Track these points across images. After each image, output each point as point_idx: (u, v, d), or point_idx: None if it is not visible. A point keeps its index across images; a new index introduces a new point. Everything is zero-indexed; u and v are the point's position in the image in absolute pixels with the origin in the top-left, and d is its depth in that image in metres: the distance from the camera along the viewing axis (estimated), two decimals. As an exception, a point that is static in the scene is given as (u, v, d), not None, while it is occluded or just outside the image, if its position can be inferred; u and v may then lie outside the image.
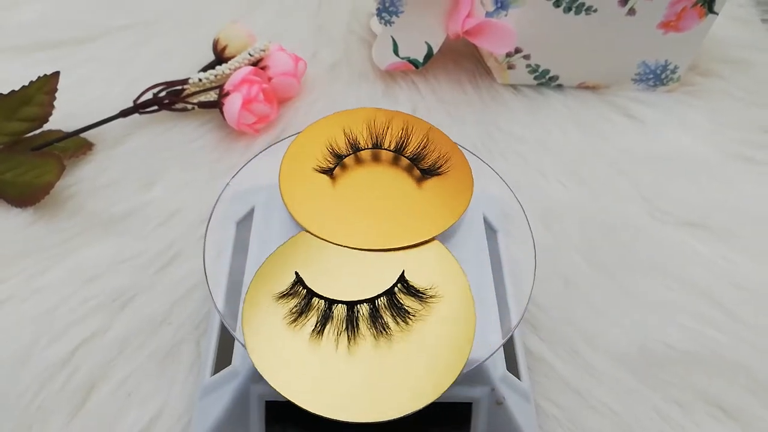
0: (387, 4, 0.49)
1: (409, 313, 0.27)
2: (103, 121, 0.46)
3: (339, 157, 0.32)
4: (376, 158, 0.32)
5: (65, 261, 0.40)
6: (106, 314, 0.37)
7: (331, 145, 0.32)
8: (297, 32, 0.58)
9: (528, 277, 0.32)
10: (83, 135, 0.46)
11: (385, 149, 0.32)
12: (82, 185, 0.44)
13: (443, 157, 0.32)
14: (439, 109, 0.52)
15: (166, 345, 0.36)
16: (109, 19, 0.57)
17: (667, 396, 0.36)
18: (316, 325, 0.27)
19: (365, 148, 0.32)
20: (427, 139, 0.33)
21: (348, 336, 0.27)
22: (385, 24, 0.51)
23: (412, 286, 0.28)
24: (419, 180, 0.32)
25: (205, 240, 0.31)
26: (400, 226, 0.30)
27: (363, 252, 0.29)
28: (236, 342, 0.32)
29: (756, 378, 0.37)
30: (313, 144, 0.33)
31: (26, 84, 0.43)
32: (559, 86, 0.54)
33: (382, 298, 0.27)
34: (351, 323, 0.27)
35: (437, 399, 0.27)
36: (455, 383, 0.30)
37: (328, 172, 0.31)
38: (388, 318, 0.27)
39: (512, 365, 0.34)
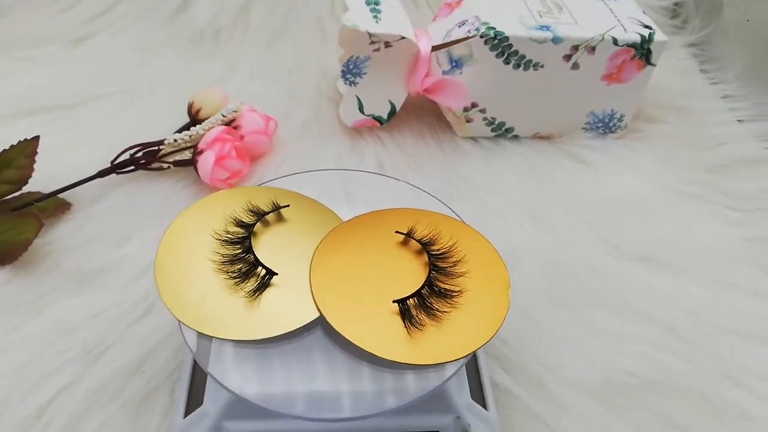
0: (351, 67, 0.53)
1: None
2: (81, 182, 0.48)
3: None
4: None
5: (41, 316, 0.41)
6: (81, 366, 0.38)
7: None
8: (269, 95, 0.61)
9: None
10: (61, 195, 0.48)
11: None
12: (58, 243, 0.45)
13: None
14: (404, 161, 0.55)
15: (140, 394, 0.37)
16: (89, 89, 0.60)
17: (629, 421, 0.37)
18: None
19: None
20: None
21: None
22: (350, 84, 0.54)
23: None
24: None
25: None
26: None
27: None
28: (207, 382, 0.33)
29: (710, 400, 0.38)
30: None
31: (7, 148, 0.45)
32: (515, 137, 0.58)
33: None
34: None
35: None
36: (420, 412, 0.31)
37: None
38: None
39: (478, 396, 0.35)
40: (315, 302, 0.30)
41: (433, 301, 0.30)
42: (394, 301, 0.30)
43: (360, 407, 0.28)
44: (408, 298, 0.30)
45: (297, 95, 0.61)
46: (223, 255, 0.32)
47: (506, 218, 0.50)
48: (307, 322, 0.30)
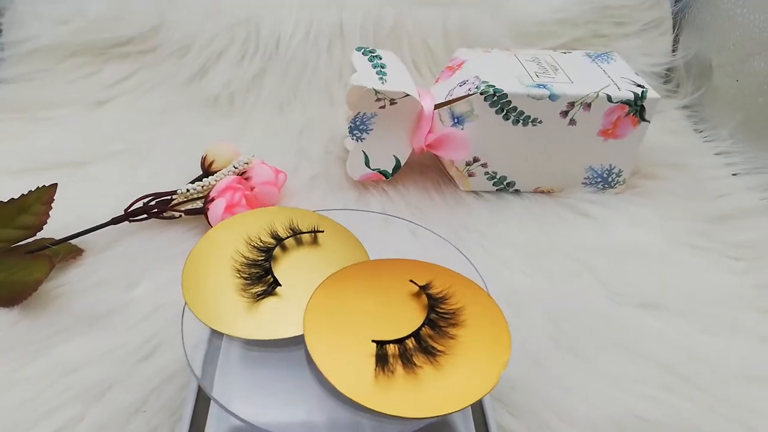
0: (358, 123, 0.56)
1: None
2: (95, 228, 0.49)
3: None
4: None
5: (47, 355, 0.41)
6: (82, 404, 0.38)
7: None
8: (279, 153, 0.63)
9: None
10: (74, 242, 0.49)
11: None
12: (69, 287, 0.46)
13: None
14: (408, 212, 0.56)
15: (141, 432, 0.37)
16: (105, 146, 0.63)
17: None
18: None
19: None
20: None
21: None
22: (357, 140, 0.57)
23: None
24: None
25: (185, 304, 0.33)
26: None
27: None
28: (210, 412, 0.32)
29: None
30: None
31: (25, 193, 0.47)
32: (517, 191, 0.60)
33: None
34: None
35: None
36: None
37: None
38: None
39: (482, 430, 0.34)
40: (303, 324, 0.31)
41: (414, 354, 0.30)
42: (373, 341, 0.30)
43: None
44: (388, 342, 0.30)
45: (306, 153, 0.64)
46: (245, 258, 0.34)
47: (510, 266, 0.50)
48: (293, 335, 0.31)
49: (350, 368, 0.29)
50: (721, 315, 0.46)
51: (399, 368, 0.29)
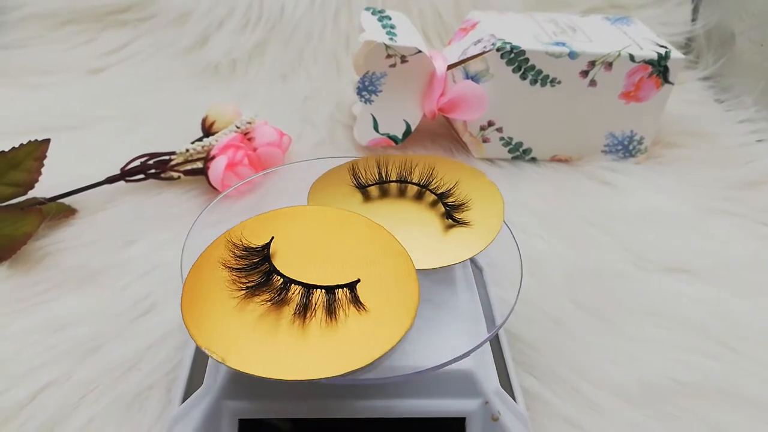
0: (367, 83, 0.53)
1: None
2: (89, 187, 0.47)
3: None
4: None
5: (36, 312, 0.38)
6: (72, 360, 0.35)
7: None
8: (283, 120, 0.60)
9: (512, 291, 0.32)
10: (68, 202, 0.47)
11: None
12: (60, 244, 0.43)
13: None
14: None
15: (133, 390, 0.34)
16: (101, 110, 0.60)
17: (678, 429, 0.33)
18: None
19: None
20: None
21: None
22: (365, 102, 0.54)
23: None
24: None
25: (184, 244, 0.30)
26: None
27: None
28: (208, 363, 0.30)
29: (758, 404, 0.34)
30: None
31: (16, 146, 0.44)
32: (533, 159, 0.57)
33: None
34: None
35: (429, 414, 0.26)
36: (446, 395, 0.28)
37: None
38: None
39: (507, 389, 0.31)
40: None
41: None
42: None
43: (377, 372, 0.25)
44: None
45: (311, 120, 0.61)
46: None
47: (527, 230, 0.48)
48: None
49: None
50: (752, 279, 0.44)
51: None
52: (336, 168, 0.35)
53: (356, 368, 0.23)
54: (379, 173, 0.33)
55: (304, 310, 0.25)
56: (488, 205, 0.33)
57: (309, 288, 0.25)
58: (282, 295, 0.25)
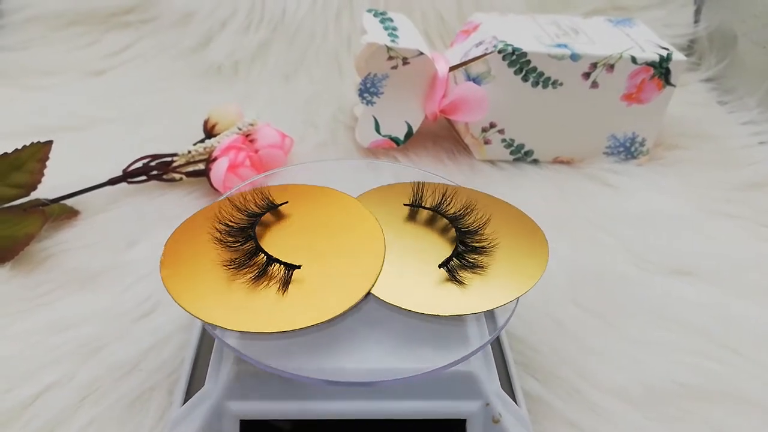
0: (368, 85, 0.53)
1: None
2: (91, 188, 0.47)
3: None
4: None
5: (38, 313, 0.38)
6: (74, 361, 0.35)
7: None
8: (285, 121, 0.61)
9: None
10: (70, 203, 0.47)
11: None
12: (62, 246, 0.43)
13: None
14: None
15: (135, 391, 0.34)
16: (104, 112, 0.60)
17: (678, 430, 0.33)
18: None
19: None
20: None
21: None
22: (367, 104, 0.54)
23: None
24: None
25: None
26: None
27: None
28: (211, 363, 0.30)
29: (762, 407, 0.34)
30: None
31: (19, 148, 0.44)
32: (535, 161, 0.57)
33: None
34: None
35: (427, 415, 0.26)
36: (446, 397, 0.28)
37: None
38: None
39: (508, 391, 0.31)
40: None
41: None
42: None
43: (380, 374, 0.25)
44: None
45: (313, 122, 0.61)
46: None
47: (529, 232, 0.47)
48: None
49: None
50: (755, 281, 0.43)
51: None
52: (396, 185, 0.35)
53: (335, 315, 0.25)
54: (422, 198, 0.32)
55: (260, 276, 0.27)
56: (523, 256, 0.30)
57: (271, 262, 0.27)
58: (251, 263, 0.27)
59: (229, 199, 0.30)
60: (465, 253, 0.29)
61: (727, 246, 0.47)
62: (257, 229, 0.29)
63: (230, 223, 0.29)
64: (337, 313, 0.26)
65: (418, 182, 0.32)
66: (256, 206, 0.30)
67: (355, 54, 0.66)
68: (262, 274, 0.27)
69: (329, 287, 0.27)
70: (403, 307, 0.27)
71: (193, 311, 0.26)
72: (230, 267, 0.28)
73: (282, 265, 0.27)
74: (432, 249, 0.30)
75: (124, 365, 0.35)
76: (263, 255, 0.28)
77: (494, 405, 0.28)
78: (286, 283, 0.27)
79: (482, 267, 0.29)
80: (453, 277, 0.28)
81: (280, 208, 0.31)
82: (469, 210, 0.31)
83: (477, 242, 0.29)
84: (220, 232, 0.29)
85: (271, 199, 0.31)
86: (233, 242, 0.28)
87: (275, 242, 0.29)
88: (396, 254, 0.29)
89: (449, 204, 0.31)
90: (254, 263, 0.27)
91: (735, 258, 0.45)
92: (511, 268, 0.29)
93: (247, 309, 0.26)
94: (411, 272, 0.28)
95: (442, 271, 0.28)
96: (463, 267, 0.28)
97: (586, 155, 0.57)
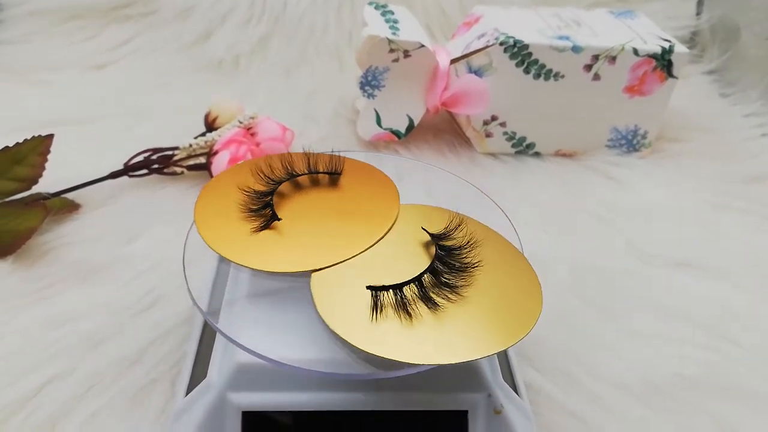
0: (369, 78, 0.53)
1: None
2: (93, 182, 0.47)
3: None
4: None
5: (39, 306, 0.38)
6: (76, 354, 0.35)
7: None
8: (286, 115, 0.60)
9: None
10: (71, 197, 0.47)
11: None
12: (63, 239, 0.44)
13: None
14: (423, 172, 0.53)
15: (137, 384, 0.34)
16: (105, 107, 0.60)
17: (682, 423, 0.33)
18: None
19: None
20: None
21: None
22: (368, 97, 0.54)
23: None
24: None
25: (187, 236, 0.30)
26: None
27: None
28: (213, 354, 0.30)
29: (763, 399, 0.34)
30: None
31: (20, 141, 0.44)
32: (537, 154, 0.57)
33: None
34: None
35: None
36: (448, 389, 0.28)
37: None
38: None
39: (510, 382, 0.31)
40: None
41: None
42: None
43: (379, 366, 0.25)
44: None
45: (314, 116, 0.61)
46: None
47: (531, 224, 0.48)
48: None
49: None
50: (757, 273, 0.43)
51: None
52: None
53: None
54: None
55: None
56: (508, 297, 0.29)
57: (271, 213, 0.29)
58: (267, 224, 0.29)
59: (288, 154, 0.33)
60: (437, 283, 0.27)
61: (729, 238, 0.47)
62: (296, 188, 0.32)
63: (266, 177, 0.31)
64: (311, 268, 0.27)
65: (460, 215, 0.31)
66: (305, 167, 0.32)
67: (356, 47, 0.66)
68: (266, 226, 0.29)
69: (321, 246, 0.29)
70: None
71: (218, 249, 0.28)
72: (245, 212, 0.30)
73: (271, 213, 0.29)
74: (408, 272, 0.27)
75: (126, 358, 0.35)
76: (270, 209, 0.30)
77: (496, 396, 0.28)
78: (263, 227, 0.29)
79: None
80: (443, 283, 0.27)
81: (334, 176, 0.33)
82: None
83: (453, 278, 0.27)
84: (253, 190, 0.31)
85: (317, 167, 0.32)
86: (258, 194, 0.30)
87: (296, 202, 0.31)
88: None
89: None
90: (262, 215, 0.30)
91: (737, 250, 0.45)
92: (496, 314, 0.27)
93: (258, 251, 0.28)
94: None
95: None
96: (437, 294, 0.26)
97: (588, 148, 0.57)
